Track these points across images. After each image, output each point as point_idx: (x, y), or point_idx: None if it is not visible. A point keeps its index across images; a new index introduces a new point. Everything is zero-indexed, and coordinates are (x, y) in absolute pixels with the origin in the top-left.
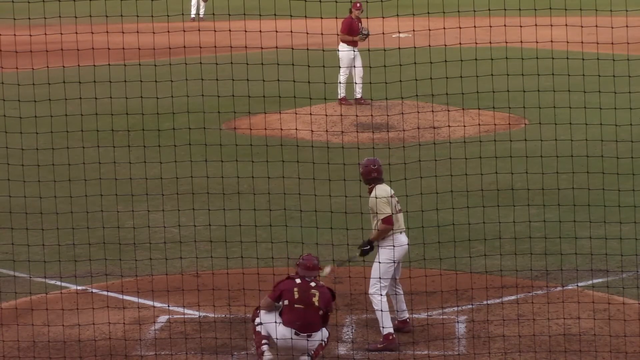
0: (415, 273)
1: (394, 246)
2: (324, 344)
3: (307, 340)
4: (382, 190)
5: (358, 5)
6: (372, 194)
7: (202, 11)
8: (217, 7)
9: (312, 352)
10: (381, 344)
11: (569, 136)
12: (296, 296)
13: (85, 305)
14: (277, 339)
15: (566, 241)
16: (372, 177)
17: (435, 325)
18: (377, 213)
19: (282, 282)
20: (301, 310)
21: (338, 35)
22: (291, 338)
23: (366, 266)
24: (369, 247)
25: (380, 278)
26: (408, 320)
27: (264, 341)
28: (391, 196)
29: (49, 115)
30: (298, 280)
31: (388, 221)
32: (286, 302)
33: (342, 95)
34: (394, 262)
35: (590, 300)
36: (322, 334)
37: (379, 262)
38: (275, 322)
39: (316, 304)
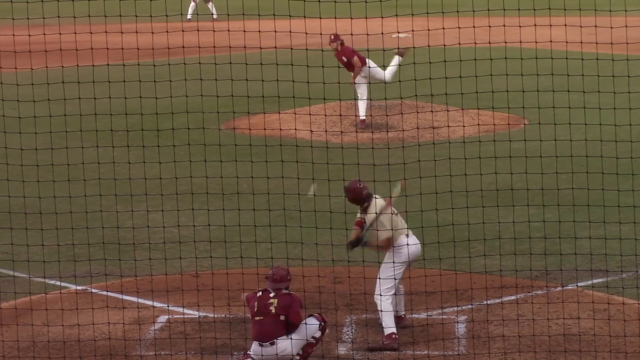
0: (415, 273)
1: (392, 245)
2: (314, 341)
3: (271, 346)
4: (380, 205)
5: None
6: (371, 211)
7: (213, 10)
8: (217, 7)
9: (301, 352)
10: (384, 342)
11: (568, 136)
12: (255, 309)
13: (85, 306)
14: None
15: (566, 241)
16: (365, 195)
17: (435, 325)
18: (377, 230)
19: (248, 298)
20: (260, 322)
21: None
22: (261, 354)
23: (366, 266)
24: (357, 244)
25: (392, 278)
26: (403, 316)
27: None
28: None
29: (48, 115)
30: (259, 293)
31: (387, 244)
32: (249, 316)
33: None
34: (404, 263)
35: (590, 301)
36: (308, 332)
37: (393, 263)
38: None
39: (273, 311)
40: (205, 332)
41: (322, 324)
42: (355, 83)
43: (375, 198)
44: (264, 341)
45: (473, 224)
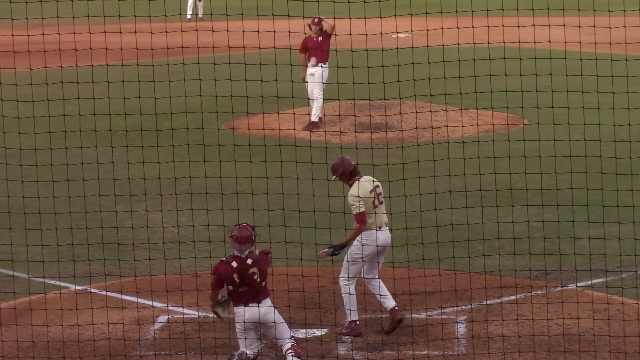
0: (415, 273)
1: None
2: (295, 343)
3: (259, 306)
4: (363, 186)
5: (316, 20)
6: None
7: (200, 11)
8: (215, 7)
9: (290, 346)
10: (346, 329)
11: (567, 136)
12: (237, 281)
13: (85, 306)
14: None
15: (565, 241)
16: (354, 168)
17: (435, 325)
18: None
19: (219, 267)
20: (247, 291)
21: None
22: (247, 316)
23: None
24: (339, 249)
25: (348, 268)
26: (397, 308)
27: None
28: (373, 189)
29: (47, 116)
30: (234, 264)
31: (360, 219)
32: (230, 288)
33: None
34: (362, 260)
35: (589, 300)
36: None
37: (362, 245)
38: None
39: (258, 280)
40: (205, 332)
41: (293, 337)
42: (308, 66)
43: (359, 180)
44: (251, 303)
45: (472, 224)
